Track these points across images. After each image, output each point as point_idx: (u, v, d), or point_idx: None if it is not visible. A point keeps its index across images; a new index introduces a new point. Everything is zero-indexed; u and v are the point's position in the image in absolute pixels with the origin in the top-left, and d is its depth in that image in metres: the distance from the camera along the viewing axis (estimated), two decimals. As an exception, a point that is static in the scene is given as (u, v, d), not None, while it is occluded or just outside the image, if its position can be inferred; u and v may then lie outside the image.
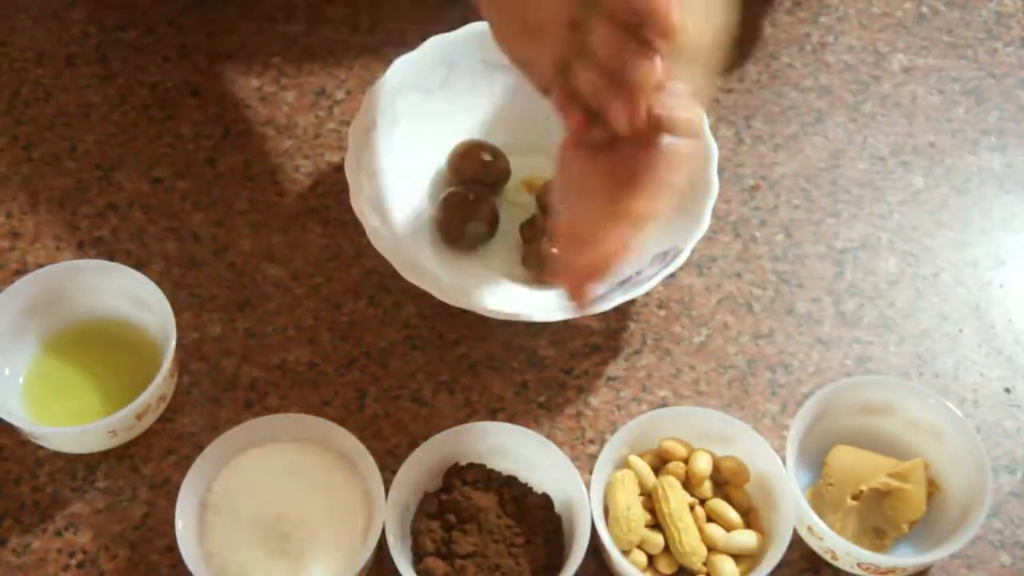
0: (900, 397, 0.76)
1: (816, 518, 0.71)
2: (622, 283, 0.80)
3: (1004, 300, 0.84)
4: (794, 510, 0.71)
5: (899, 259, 0.85)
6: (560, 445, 0.74)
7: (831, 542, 0.71)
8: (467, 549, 0.71)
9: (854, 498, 0.73)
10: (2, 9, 0.94)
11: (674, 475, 0.73)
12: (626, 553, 0.71)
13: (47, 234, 0.84)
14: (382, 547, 0.71)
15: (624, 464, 0.74)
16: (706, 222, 0.79)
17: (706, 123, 0.83)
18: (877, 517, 0.72)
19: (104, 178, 0.87)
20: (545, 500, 0.74)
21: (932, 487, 0.74)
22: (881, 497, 0.72)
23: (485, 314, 0.77)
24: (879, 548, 0.72)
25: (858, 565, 0.72)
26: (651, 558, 0.72)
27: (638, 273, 0.80)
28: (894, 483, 0.72)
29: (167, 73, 0.91)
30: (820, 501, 0.73)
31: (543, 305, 0.80)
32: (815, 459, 0.75)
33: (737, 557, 0.72)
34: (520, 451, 0.74)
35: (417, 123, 0.86)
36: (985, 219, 0.87)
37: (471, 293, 0.79)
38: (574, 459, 0.74)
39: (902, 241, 0.86)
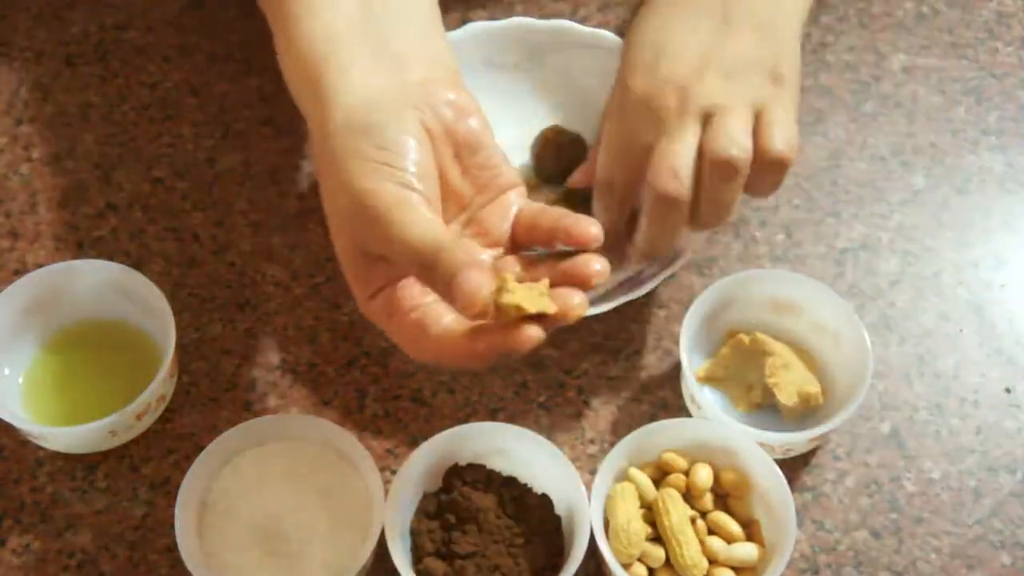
0: (808, 296, 0.78)
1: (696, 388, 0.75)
2: (623, 284, 0.80)
3: (1005, 300, 0.84)
4: (795, 522, 0.71)
5: (899, 259, 0.85)
6: (560, 445, 0.74)
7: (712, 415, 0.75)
8: (467, 549, 0.71)
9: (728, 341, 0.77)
10: (2, 9, 0.94)
11: (675, 487, 0.73)
12: (627, 567, 0.70)
13: (47, 234, 0.84)
14: (382, 547, 0.71)
15: (624, 477, 0.73)
16: None
17: None
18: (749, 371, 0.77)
19: (104, 178, 0.87)
20: (545, 500, 0.73)
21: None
22: (749, 352, 0.76)
23: None
24: (749, 404, 0.77)
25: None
26: (652, 571, 0.72)
27: (639, 273, 0.80)
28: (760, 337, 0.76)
29: (167, 73, 0.91)
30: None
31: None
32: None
33: (739, 570, 0.72)
34: (520, 451, 0.74)
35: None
36: (986, 219, 0.87)
37: None
38: (574, 459, 0.74)
39: (903, 241, 0.86)
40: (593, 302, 0.79)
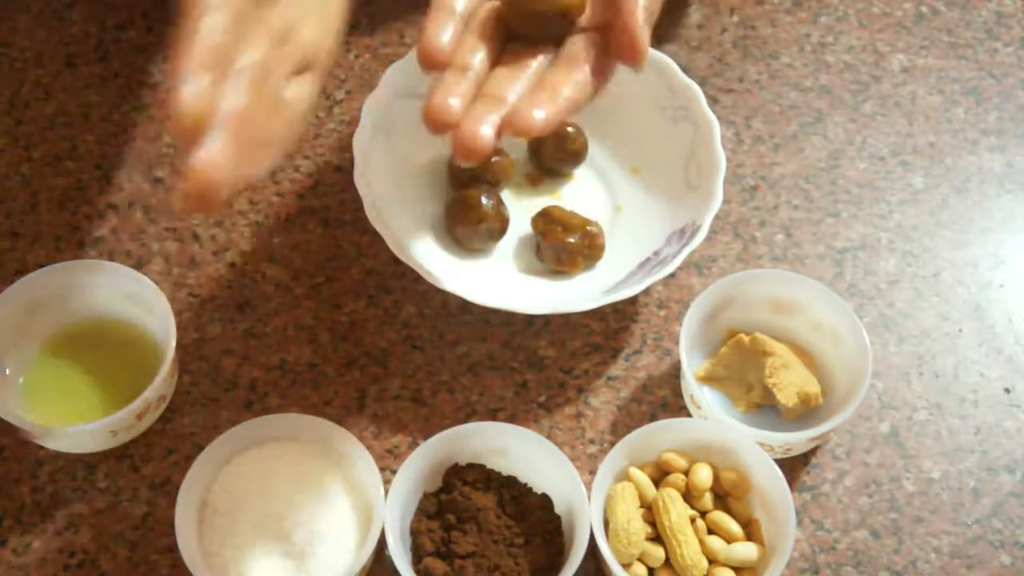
0: (808, 296, 0.78)
1: (696, 387, 0.75)
2: (642, 264, 0.80)
3: (1004, 300, 0.84)
4: (794, 522, 0.71)
5: (899, 259, 0.85)
6: (560, 445, 0.74)
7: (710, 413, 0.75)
8: (466, 549, 0.71)
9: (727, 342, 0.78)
10: (2, 9, 0.94)
11: (674, 487, 0.73)
12: (627, 566, 0.70)
13: (47, 234, 0.84)
14: (382, 547, 0.71)
15: (624, 476, 0.74)
16: (719, 197, 0.80)
17: (703, 99, 0.83)
18: (749, 370, 0.77)
19: (104, 178, 0.87)
20: (545, 500, 0.74)
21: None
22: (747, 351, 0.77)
23: (533, 313, 0.77)
24: (749, 405, 0.77)
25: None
26: (652, 571, 0.72)
27: (656, 254, 0.80)
28: (760, 338, 0.76)
29: (167, 73, 0.91)
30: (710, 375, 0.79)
31: (574, 295, 0.80)
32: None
33: (738, 569, 0.72)
34: (520, 451, 0.74)
35: (415, 128, 0.85)
36: (985, 219, 0.87)
37: (506, 294, 0.79)
38: (574, 459, 0.74)
39: (902, 241, 0.86)
40: (618, 286, 0.79)
